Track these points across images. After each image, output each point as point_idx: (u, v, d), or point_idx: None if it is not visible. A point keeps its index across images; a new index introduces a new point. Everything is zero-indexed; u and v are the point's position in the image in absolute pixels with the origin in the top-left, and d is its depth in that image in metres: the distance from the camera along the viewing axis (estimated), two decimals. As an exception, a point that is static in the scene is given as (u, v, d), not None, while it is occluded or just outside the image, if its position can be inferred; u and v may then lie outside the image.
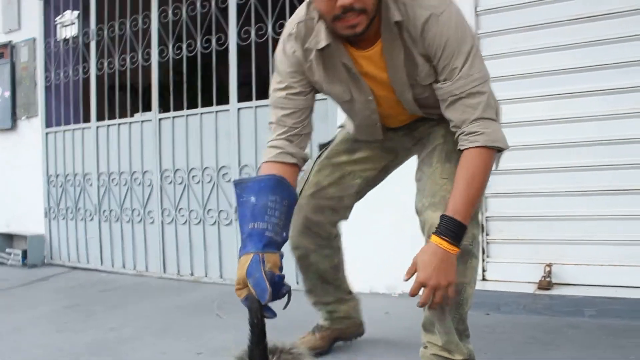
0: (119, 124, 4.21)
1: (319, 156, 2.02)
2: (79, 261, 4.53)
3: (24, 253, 4.68)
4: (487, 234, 2.77)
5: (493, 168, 1.59)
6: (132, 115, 4.17)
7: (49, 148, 4.69)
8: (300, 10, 1.67)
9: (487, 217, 2.77)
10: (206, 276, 3.78)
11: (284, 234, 1.50)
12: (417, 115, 1.79)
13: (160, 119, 3.96)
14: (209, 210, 3.75)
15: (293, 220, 1.67)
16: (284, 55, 1.68)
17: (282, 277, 1.41)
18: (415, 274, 1.50)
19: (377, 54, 1.61)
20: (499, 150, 1.58)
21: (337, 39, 1.60)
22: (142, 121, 4.06)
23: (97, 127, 4.34)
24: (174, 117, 3.90)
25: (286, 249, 1.62)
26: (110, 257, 4.31)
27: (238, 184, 1.52)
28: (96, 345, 2.58)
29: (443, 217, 1.50)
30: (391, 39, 1.57)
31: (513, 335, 2.27)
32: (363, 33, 1.51)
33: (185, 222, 3.87)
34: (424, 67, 1.59)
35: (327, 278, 2.09)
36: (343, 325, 2.21)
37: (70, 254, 4.59)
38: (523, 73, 2.68)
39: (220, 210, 3.70)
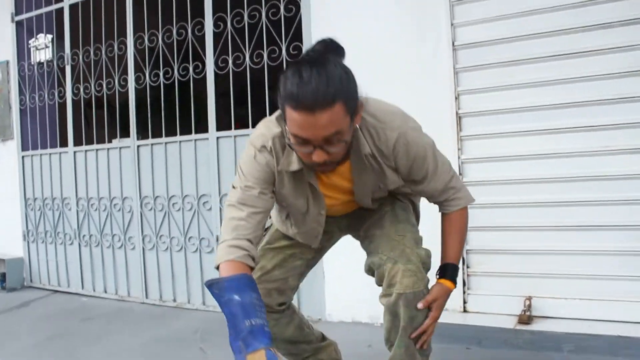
0: (97, 150, 4.17)
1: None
2: (60, 284, 4.49)
3: (3, 276, 4.62)
4: (467, 267, 2.81)
5: None
6: (110, 141, 4.14)
7: (25, 171, 4.62)
8: (272, 124, 1.69)
9: (467, 249, 2.80)
10: (189, 302, 3.78)
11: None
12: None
13: (138, 146, 3.93)
14: (190, 237, 3.74)
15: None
16: (255, 163, 1.68)
17: None
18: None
19: (345, 170, 1.72)
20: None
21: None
22: (121, 147, 4.02)
23: (75, 152, 4.28)
24: (152, 144, 3.87)
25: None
26: (91, 281, 4.28)
27: (214, 283, 1.51)
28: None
29: (448, 265, 1.82)
30: (359, 163, 1.69)
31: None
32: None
33: (167, 248, 3.86)
34: (392, 177, 1.75)
35: (296, 339, 2.12)
36: None
37: (51, 277, 4.55)
38: (503, 108, 2.71)
39: (202, 238, 3.70)
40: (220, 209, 3.57)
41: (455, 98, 2.79)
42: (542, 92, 2.64)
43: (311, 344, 2.18)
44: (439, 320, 2.17)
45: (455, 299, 2.81)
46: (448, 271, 1.81)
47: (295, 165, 1.66)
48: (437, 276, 1.82)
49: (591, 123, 2.55)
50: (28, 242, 4.67)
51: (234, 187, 1.71)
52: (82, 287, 4.33)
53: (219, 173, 3.58)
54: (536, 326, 2.53)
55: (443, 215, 1.85)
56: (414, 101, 2.78)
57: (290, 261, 1.99)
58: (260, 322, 1.47)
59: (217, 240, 3.57)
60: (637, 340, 2.31)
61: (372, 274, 1.83)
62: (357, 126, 1.61)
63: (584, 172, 2.57)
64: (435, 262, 1.82)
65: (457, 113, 2.79)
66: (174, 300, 3.85)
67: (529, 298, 2.64)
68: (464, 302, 2.81)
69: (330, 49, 1.55)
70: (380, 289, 1.79)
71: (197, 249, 3.72)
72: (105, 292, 4.21)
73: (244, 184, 1.68)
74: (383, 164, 1.69)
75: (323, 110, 1.41)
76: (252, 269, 1.64)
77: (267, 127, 1.69)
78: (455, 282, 1.82)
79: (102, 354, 3.02)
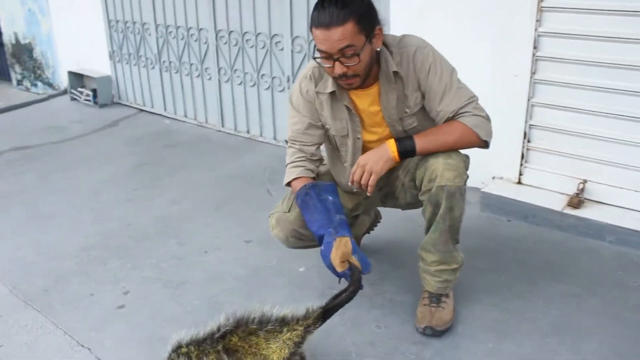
0: (175, -23, 4.15)
1: None
2: (144, 104, 4.83)
3: (94, 92, 4.99)
4: (528, 141, 2.80)
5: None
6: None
7: (106, -8, 4.71)
8: (313, 61, 1.94)
9: (530, 124, 2.76)
10: (261, 135, 4.01)
11: None
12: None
13: (214, -23, 3.88)
14: (263, 75, 3.84)
15: (284, 234, 2.08)
16: (301, 96, 2.00)
17: None
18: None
19: (374, 92, 1.93)
20: (482, 141, 1.88)
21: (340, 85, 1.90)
22: (197, -25, 3.99)
23: (153, -23, 4.29)
24: (227, -23, 3.81)
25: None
26: (172, 105, 4.58)
27: (314, 186, 1.91)
28: (161, 221, 2.95)
29: (409, 137, 1.86)
30: (388, 83, 1.89)
31: (529, 257, 2.45)
32: (359, 86, 1.87)
33: (241, 82, 3.99)
34: (413, 97, 1.91)
35: None
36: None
37: (136, 96, 4.88)
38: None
39: (274, 77, 3.79)
40: (292, 50, 3.59)
41: (542, -37, 2.53)
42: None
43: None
44: (492, 192, 2.75)
45: (511, 169, 2.87)
46: (404, 140, 1.85)
47: (329, 88, 1.92)
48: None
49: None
50: (114, 61, 4.93)
51: (288, 126, 2.06)
52: (165, 110, 4.65)
53: (291, 14, 3.53)
54: (584, 212, 2.56)
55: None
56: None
57: None
58: (344, 219, 1.83)
59: (288, 80, 3.66)
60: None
61: (415, 189, 1.97)
62: (384, 49, 1.87)
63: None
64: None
65: (541, -20, 2.56)
66: (248, 132, 4.09)
67: (584, 181, 2.65)
68: (520, 174, 2.85)
69: None
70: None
71: (269, 86, 3.84)
72: (186, 116, 4.51)
73: (293, 121, 2.02)
74: (407, 84, 1.89)
75: (337, 26, 1.69)
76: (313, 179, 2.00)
77: (310, 63, 1.99)
78: (400, 150, 1.83)
79: (181, 186, 3.38)
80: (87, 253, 2.69)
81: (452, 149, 1.85)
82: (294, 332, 1.67)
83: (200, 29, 4.10)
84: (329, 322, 1.81)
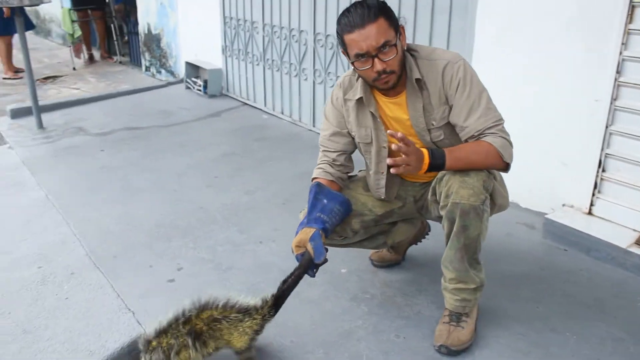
0: (282, -20, 4.35)
1: None
2: (248, 98, 5.09)
3: (205, 83, 5.34)
4: (603, 170, 2.63)
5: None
6: (292, -27, 4.27)
7: (225, -9, 5.03)
8: (350, 70, 2.06)
9: (607, 153, 2.60)
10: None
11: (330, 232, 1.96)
12: (434, 175, 1.98)
13: (315, -18, 4.02)
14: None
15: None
16: (331, 104, 2.11)
17: (327, 250, 1.89)
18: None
19: (402, 101, 1.96)
20: (505, 164, 1.85)
21: (369, 92, 1.98)
22: (301, -20, 4.15)
23: (264, -21, 4.52)
24: (327, -18, 3.93)
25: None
26: (272, 101, 4.79)
27: (318, 187, 1.98)
28: (229, 208, 3.13)
29: (443, 150, 1.82)
30: (413, 91, 1.92)
31: (578, 292, 2.32)
32: (394, 86, 1.91)
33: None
34: (440, 110, 1.93)
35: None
36: (402, 245, 2.51)
37: (242, 90, 5.16)
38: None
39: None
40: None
41: (634, -17, 2.38)
42: None
43: (381, 236, 2.34)
44: (556, 219, 2.69)
45: (582, 198, 2.71)
46: (438, 152, 1.81)
47: (358, 94, 1.98)
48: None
49: None
50: (226, 56, 5.24)
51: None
52: (265, 105, 4.87)
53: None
54: (651, 252, 2.39)
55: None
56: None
57: (361, 206, 2.15)
58: (325, 219, 1.91)
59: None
60: None
61: (438, 204, 1.94)
62: (409, 56, 1.92)
63: None
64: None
65: (631, 1, 2.40)
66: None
67: (659, 219, 2.46)
68: (591, 205, 2.69)
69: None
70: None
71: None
72: (282, 113, 4.70)
73: (323, 128, 2.14)
74: (432, 95, 1.91)
75: (370, 23, 1.76)
76: (332, 182, 2.09)
77: (342, 75, 2.10)
78: (432, 161, 1.78)
79: (259, 178, 3.55)
80: (157, 229, 2.93)
81: (477, 169, 1.83)
82: (254, 321, 1.82)
83: (301, 30, 4.25)
84: (350, 322, 2.04)
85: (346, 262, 2.54)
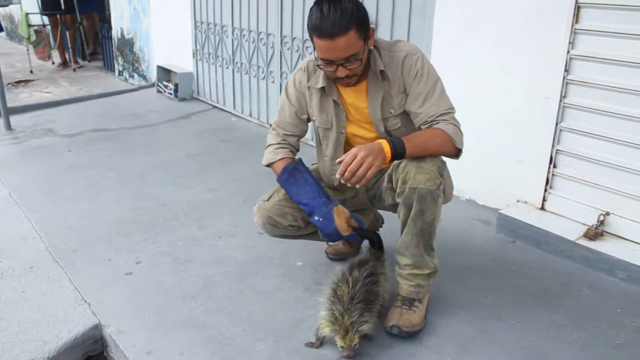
0: (250, -17, 4.41)
1: None
2: (218, 101, 5.12)
3: (176, 86, 5.36)
4: (554, 166, 2.71)
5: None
6: (260, -23, 4.33)
7: (195, -6, 5.08)
8: (310, 56, 2.09)
9: (557, 149, 2.67)
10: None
11: None
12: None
13: (282, -15, 4.08)
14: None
15: (261, 220, 2.18)
16: (294, 86, 2.14)
17: None
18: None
19: (362, 89, 2.02)
20: (457, 149, 1.91)
21: (331, 81, 2.03)
22: (268, -16, 4.21)
23: (233, -17, 4.58)
24: (293, -14, 3.99)
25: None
26: (240, 104, 4.83)
27: (302, 163, 2.10)
28: (192, 205, 3.16)
29: (399, 139, 1.84)
30: (375, 81, 1.99)
31: (526, 283, 2.38)
32: (356, 84, 1.99)
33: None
34: (398, 98, 2.00)
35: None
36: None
37: (212, 93, 5.19)
38: (630, 4, 2.34)
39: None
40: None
41: (579, -16, 2.46)
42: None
43: None
44: (509, 214, 2.73)
45: (535, 194, 2.78)
46: (395, 141, 1.81)
47: (320, 83, 2.04)
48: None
49: None
50: (196, 59, 5.28)
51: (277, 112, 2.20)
52: (234, 108, 4.91)
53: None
54: (598, 245, 2.44)
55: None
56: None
57: None
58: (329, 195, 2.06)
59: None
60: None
61: (393, 191, 1.99)
62: (373, 49, 1.96)
63: None
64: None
65: (577, 1, 2.48)
66: (302, 135, 4.22)
67: (606, 213, 2.52)
68: (544, 200, 2.76)
69: None
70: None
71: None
72: (250, 115, 4.74)
73: (283, 110, 2.16)
74: (393, 85, 1.97)
75: (341, 36, 1.78)
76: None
77: (306, 58, 2.14)
78: (392, 149, 1.79)
79: (222, 176, 3.58)
80: (119, 224, 2.94)
81: (433, 155, 1.87)
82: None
83: (269, 33, 4.31)
84: (302, 311, 2.17)
85: (302, 256, 2.57)
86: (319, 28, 1.79)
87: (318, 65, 1.94)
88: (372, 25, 1.91)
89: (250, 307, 2.22)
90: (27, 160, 3.94)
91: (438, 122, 1.90)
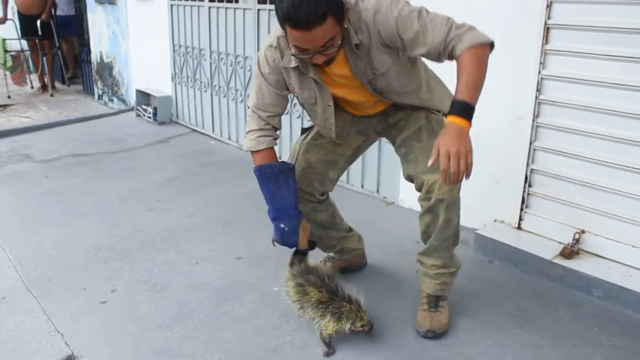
0: (226, 8, 4.41)
1: (304, 139, 2.28)
2: (197, 125, 5.11)
3: (155, 110, 5.35)
4: (529, 185, 2.72)
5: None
6: (236, 1, 4.33)
7: (173, 19, 5.08)
8: (278, 27, 1.85)
9: (532, 169, 2.69)
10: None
11: None
12: (390, 103, 2.08)
13: (258, 10, 4.09)
14: (295, 104, 3.97)
15: None
16: (267, 65, 1.97)
17: None
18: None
19: (341, 57, 1.89)
20: (490, 44, 1.77)
21: (303, 60, 1.88)
22: (244, 9, 4.22)
23: (209, 7, 4.58)
24: (269, 10, 4.00)
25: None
26: (219, 127, 4.82)
27: (289, 165, 2.07)
28: (169, 231, 3.12)
29: (454, 101, 1.70)
30: (351, 51, 1.86)
31: (504, 303, 2.37)
32: None
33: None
34: (380, 57, 1.87)
35: (327, 226, 2.43)
36: (350, 256, 2.58)
37: (191, 116, 5.18)
38: (598, 26, 2.37)
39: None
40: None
41: (547, 6, 2.50)
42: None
43: (339, 232, 2.50)
44: (486, 234, 2.76)
45: (512, 214, 2.79)
46: (454, 107, 1.70)
47: (293, 63, 1.91)
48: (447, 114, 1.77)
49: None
50: (175, 83, 5.27)
51: (253, 92, 2.06)
52: (213, 131, 4.90)
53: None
54: (574, 263, 2.45)
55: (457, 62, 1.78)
56: (499, 4, 2.59)
57: (331, 156, 2.23)
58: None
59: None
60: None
61: (411, 181, 2.06)
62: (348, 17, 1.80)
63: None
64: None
65: (545, 23, 2.52)
66: (279, 157, 4.20)
67: (582, 232, 2.54)
68: (520, 219, 2.77)
69: None
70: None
71: (299, 115, 3.96)
72: (229, 138, 4.73)
73: (258, 89, 2.02)
74: (372, 47, 1.84)
75: (317, 26, 1.65)
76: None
77: (274, 30, 1.95)
78: (464, 117, 1.68)
79: (200, 201, 3.55)
80: (95, 251, 2.90)
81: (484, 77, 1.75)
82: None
83: (246, 57, 4.32)
84: (278, 337, 2.16)
85: (278, 281, 2.53)
86: (291, 19, 1.65)
87: (292, 54, 1.82)
88: (347, 5, 1.76)
89: (226, 334, 2.19)
90: (2, 186, 3.89)
91: (453, 46, 1.74)
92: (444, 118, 1.95)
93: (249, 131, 2.07)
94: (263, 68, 1.98)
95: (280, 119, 2.09)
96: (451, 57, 1.78)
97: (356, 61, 1.89)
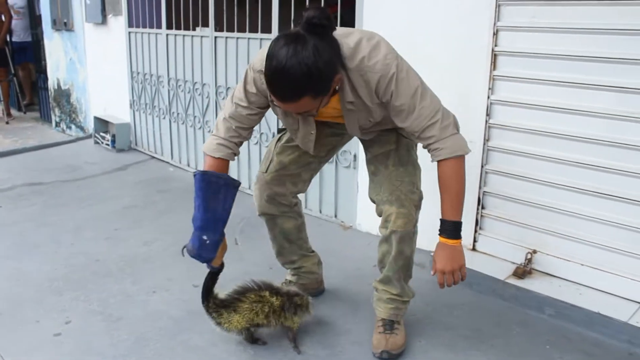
0: (184, 35, 4.44)
1: (278, 139, 2.32)
2: (156, 152, 5.08)
3: (113, 137, 5.30)
4: (482, 207, 2.79)
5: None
6: (193, 29, 4.36)
7: (131, 46, 5.07)
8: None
9: (485, 191, 2.77)
10: (249, 188, 4.12)
11: None
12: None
13: (215, 37, 4.12)
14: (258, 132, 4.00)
15: (260, 192, 2.28)
16: (253, 82, 1.90)
17: None
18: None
19: (334, 101, 1.87)
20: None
21: None
22: (202, 36, 4.25)
23: (167, 35, 4.60)
24: (226, 37, 4.03)
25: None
26: (178, 154, 4.80)
27: (231, 180, 2.01)
28: (126, 259, 3.08)
29: (443, 221, 1.92)
30: (345, 103, 1.87)
31: (459, 324, 2.41)
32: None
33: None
34: (377, 109, 1.90)
35: (292, 238, 2.46)
36: (307, 280, 2.59)
37: (149, 144, 5.15)
38: (543, 53, 2.47)
39: (262, 133, 3.93)
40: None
41: (494, 34, 2.59)
42: (590, 40, 2.35)
43: (302, 248, 2.53)
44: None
45: (466, 236, 2.83)
46: (444, 228, 1.93)
47: None
48: (438, 233, 1.95)
49: (631, 84, 2.28)
50: (133, 110, 5.24)
51: (232, 98, 1.99)
52: (172, 158, 4.88)
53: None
54: (526, 283, 2.52)
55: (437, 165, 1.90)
56: (449, 32, 2.67)
57: (305, 157, 2.26)
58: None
59: (274, 135, 3.78)
60: (614, 321, 2.25)
61: (374, 202, 2.14)
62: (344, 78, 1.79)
63: (614, 137, 2.35)
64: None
65: (493, 50, 2.61)
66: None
67: (534, 251, 2.61)
68: (474, 241, 2.83)
69: (315, 29, 1.62)
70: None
71: (257, 141, 3.98)
72: (188, 165, 4.71)
73: (238, 101, 1.95)
74: (368, 103, 1.86)
75: (291, 102, 1.67)
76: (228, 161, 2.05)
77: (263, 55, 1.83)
78: (453, 237, 1.92)
79: (158, 228, 3.52)
80: (50, 283, 2.83)
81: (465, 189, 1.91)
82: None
83: (204, 84, 4.33)
84: None
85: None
86: (270, 86, 1.67)
87: (272, 102, 1.81)
88: (339, 74, 1.72)
89: (183, 364, 2.16)
90: (-48, 218, 3.78)
91: (433, 150, 1.86)
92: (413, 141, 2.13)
93: (215, 135, 2.01)
94: (249, 85, 1.91)
95: (251, 131, 2.04)
96: (428, 151, 1.90)
97: (349, 114, 1.92)
